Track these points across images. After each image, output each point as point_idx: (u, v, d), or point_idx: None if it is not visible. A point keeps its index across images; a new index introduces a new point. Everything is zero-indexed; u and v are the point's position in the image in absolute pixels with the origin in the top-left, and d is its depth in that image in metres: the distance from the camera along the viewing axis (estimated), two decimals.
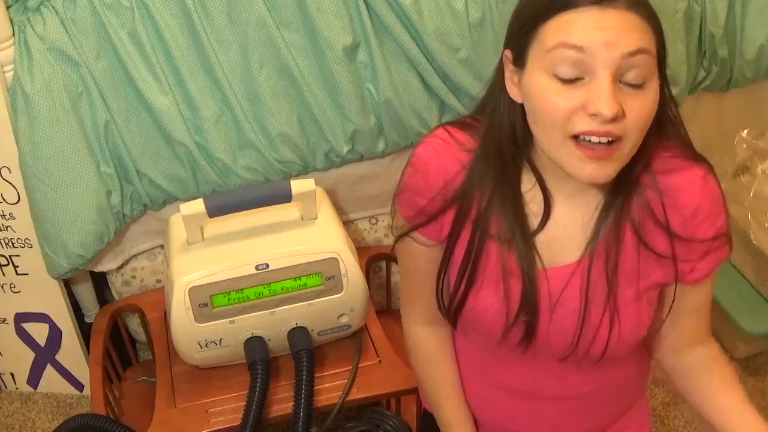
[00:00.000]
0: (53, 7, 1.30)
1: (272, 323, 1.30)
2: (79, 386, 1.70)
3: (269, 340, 1.31)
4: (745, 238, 1.69)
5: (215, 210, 1.26)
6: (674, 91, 1.54)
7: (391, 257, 1.66)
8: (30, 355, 1.65)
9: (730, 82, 1.65)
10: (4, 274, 1.52)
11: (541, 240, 0.94)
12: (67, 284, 1.57)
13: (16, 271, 1.51)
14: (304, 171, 1.49)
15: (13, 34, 1.30)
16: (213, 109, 1.38)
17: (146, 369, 1.60)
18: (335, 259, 1.28)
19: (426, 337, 1.07)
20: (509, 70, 0.89)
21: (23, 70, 1.29)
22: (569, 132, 0.82)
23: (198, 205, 1.25)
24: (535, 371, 1.02)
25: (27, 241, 1.47)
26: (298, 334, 1.31)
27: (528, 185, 0.94)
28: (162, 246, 1.55)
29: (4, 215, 1.44)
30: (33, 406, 1.69)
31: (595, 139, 0.81)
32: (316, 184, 1.31)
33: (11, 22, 1.30)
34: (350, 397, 1.32)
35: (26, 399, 1.70)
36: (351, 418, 1.37)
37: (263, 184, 1.45)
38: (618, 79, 0.80)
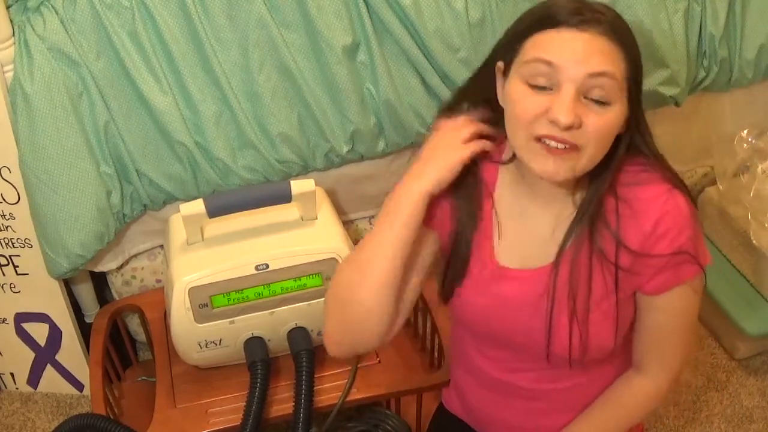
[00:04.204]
0: (53, 7, 1.30)
1: (272, 323, 1.30)
2: (79, 386, 1.70)
3: (269, 340, 1.31)
4: (745, 238, 1.69)
5: (215, 210, 1.26)
6: (674, 91, 1.55)
7: None
8: (30, 355, 1.65)
9: (730, 82, 1.65)
10: (4, 274, 1.52)
11: (513, 242, 1.02)
12: (67, 284, 1.57)
13: (16, 271, 1.51)
14: (304, 171, 1.49)
15: (13, 34, 1.30)
16: (213, 109, 1.38)
17: (146, 369, 1.60)
18: (335, 259, 1.28)
19: None
20: (500, 80, 0.98)
21: (23, 70, 1.29)
22: (533, 134, 0.91)
23: (198, 206, 1.25)
24: (511, 368, 1.08)
25: (27, 241, 1.47)
26: (297, 334, 1.31)
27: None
28: (162, 246, 1.55)
29: (4, 215, 1.44)
30: (33, 406, 1.69)
31: (553, 143, 0.89)
32: (316, 184, 1.31)
33: (11, 22, 1.30)
34: (350, 398, 1.32)
35: (26, 399, 1.70)
36: (351, 418, 1.38)
37: (263, 184, 1.45)
38: (582, 94, 0.89)
